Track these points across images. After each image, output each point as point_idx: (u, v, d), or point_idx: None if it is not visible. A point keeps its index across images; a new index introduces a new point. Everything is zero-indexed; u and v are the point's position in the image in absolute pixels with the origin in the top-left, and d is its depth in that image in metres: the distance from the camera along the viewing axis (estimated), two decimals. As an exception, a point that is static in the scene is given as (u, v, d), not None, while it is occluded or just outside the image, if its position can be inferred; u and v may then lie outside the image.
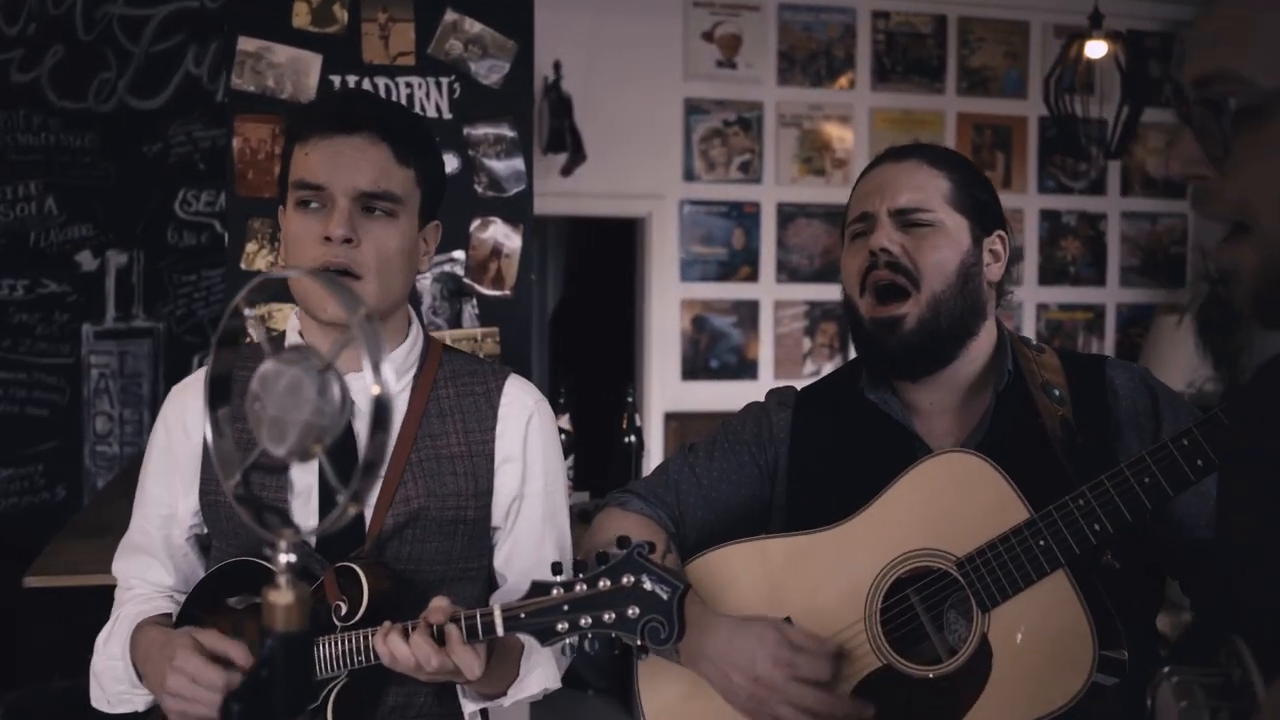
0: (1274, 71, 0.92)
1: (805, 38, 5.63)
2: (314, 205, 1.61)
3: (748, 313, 5.64)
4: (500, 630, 1.43)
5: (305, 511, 1.65)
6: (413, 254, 1.68)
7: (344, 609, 1.56)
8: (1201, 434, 1.46)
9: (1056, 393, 1.74)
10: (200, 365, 1.99)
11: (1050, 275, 5.96)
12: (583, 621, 1.38)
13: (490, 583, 1.79)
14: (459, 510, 1.70)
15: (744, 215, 5.62)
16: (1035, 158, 5.92)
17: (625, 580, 1.36)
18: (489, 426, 1.73)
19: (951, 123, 5.81)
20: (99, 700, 1.75)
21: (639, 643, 1.37)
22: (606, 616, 1.37)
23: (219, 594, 1.68)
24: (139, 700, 1.72)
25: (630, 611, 1.36)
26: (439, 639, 1.44)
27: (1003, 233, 1.79)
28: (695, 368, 5.60)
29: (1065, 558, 1.52)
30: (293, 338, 1.71)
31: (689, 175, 5.55)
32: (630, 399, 3.08)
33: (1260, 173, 0.93)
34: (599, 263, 6.37)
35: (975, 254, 1.74)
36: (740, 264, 5.64)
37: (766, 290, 5.66)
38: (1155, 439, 1.68)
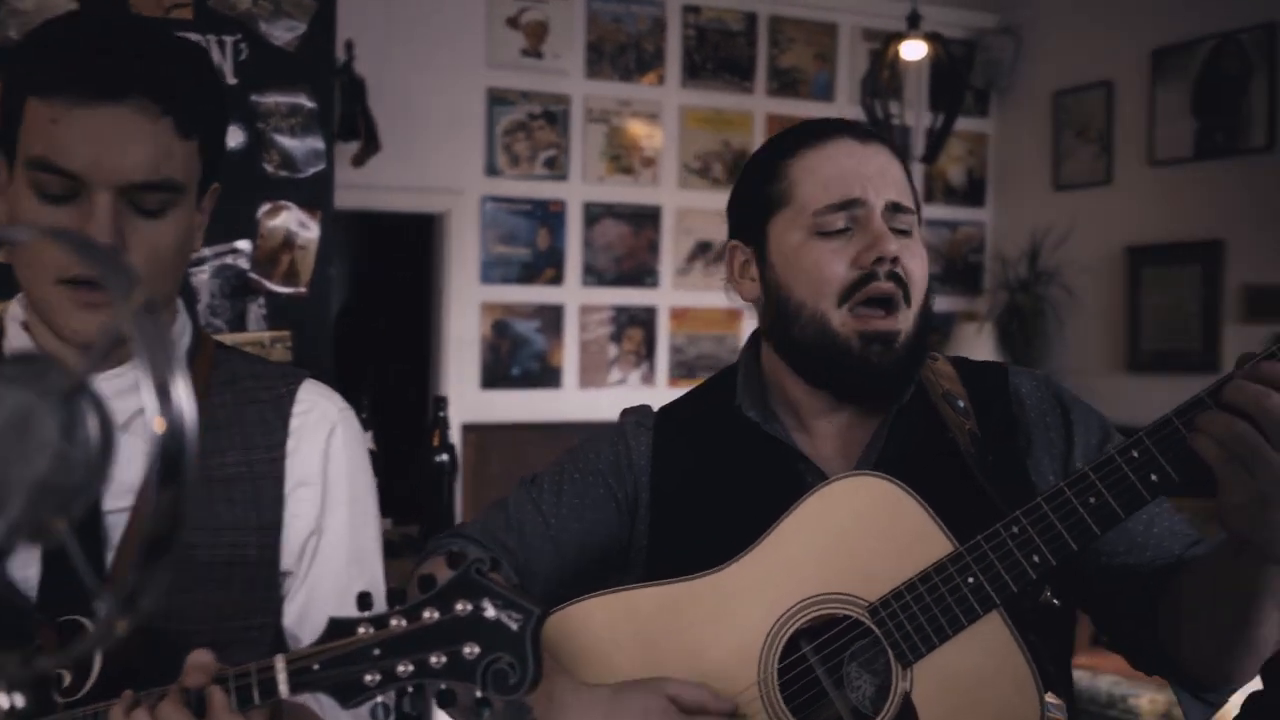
0: None
1: (614, 29, 5.36)
2: (61, 196, 1.19)
3: (552, 317, 5.33)
4: (285, 690, 1.02)
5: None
6: (190, 240, 1.30)
7: (68, 679, 1.17)
8: (1155, 444, 1.23)
9: (960, 404, 1.50)
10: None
11: (856, 282, 5.88)
12: (400, 669, 1.00)
13: (278, 647, 1.39)
14: (235, 549, 1.30)
15: (549, 214, 5.30)
16: (842, 162, 5.83)
17: (459, 608, 0.99)
18: (277, 442, 1.34)
19: (761, 124, 5.65)
20: None
21: (479, 694, 1.00)
22: (434, 660, 0.99)
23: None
24: None
25: (467, 651, 0.98)
26: (198, 709, 1.06)
27: None
28: (496, 376, 5.25)
29: (1000, 597, 1.27)
30: (16, 342, 1.30)
31: (491, 170, 5.20)
32: (442, 413, 2.72)
33: None
34: (391, 263, 5.92)
35: (929, 263, 1.50)
36: (544, 266, 5.32)
37: (572, 294, 5.36)
38: (1067, 455, 1.47)
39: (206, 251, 2.42)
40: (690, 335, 5.51)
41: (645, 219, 5.43)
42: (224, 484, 1.31)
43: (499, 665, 0.97)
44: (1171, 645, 1.34)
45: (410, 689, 0.99)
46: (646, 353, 5.45)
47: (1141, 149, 5.37)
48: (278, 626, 1.38)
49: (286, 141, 2.48)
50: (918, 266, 1.44)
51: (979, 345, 5.56)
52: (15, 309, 1.32)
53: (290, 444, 1.34)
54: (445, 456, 2.71)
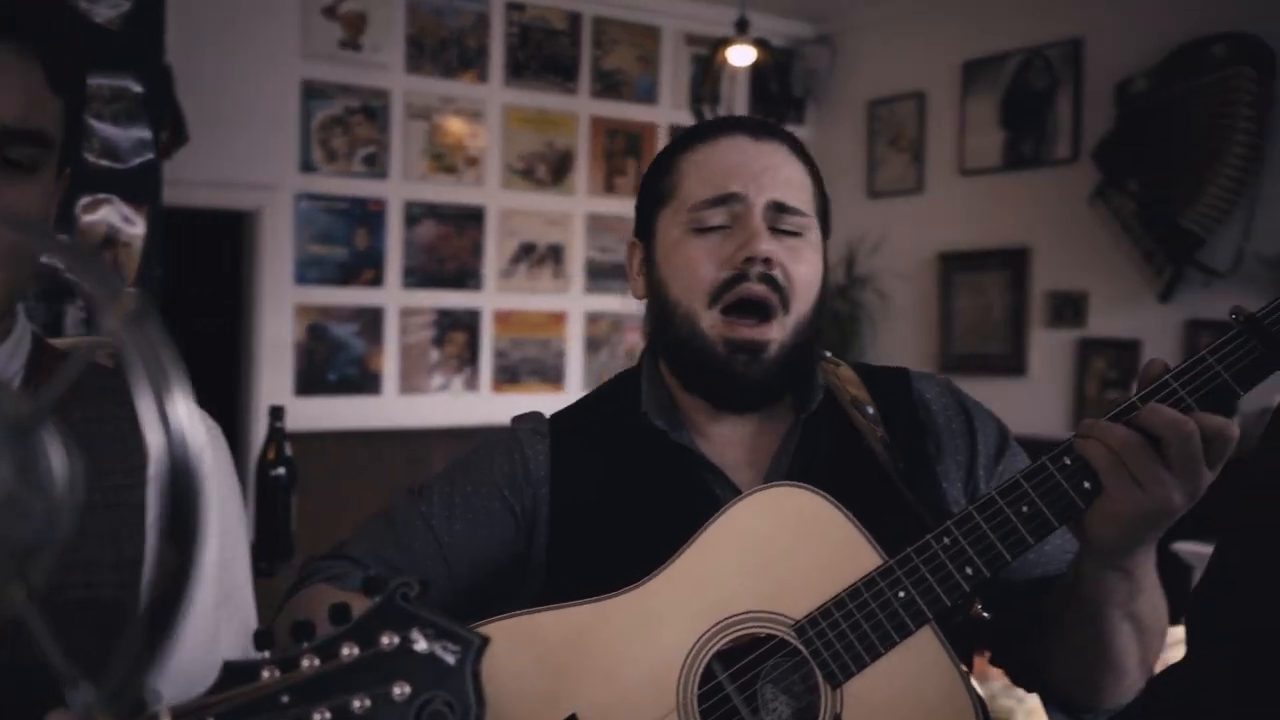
0: None
1: (436, 23, 5.20)
2: None
3: (371, 320, 5.12)
4: None
5: None
6: (48, 219, 1.13)
7: None
8: (1078, 441, 1.21)
9: (870, 410, 1.46)
10: None
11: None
12: (316, 718, 0.85)
13: (136, 703, 1.22)
14: (89, 589, 1.14)
15: (368, 213, 5.10)
16: (665, 166, 5.82)
17: (385, 642, 0.85)
18: (137, 465, 1.18)
19: (585, 125, 5.59)
20: None
21: None
22: (357, 705, 0.85)
23: None
24: None
25: (396, 691, 0.85)
26: None
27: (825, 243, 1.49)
28: (311, 381, 5.01)
29: (932, 611, 1.22)
30: None
31: (306, 166, 4.96)
32: (279, 424, 2.54)
33: None
34: (197, 262, 5.59)
35: (824, 270, 1.43)
36: (363, 267, 5.11)
37: (392, 296, 5.17)
38: (972, 462, 1.45)
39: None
40: (515, 339, 5.40)
41: (468, 220, 5.29)
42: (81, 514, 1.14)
43: (434, 706, 0.85)
44: (1042, 662, 1.32)
45: None
46: (470, 357, 5.30)
47: (952, 158, 5.55)
48: None
49: (109, 129, 2.25)
50: (804, 272, 1.36)
51: (800, 349, 5.63)
52: None
53: (152, 469, 1.18)
54: (283, 470, 2.53)
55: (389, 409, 5.13)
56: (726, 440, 1.45)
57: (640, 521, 1.40)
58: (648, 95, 5.76)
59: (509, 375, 5.39)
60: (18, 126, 1.03)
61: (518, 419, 1.55)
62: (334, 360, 5.05)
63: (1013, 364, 5.20)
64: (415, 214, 5.18)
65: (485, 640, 0.87)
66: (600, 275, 5.62)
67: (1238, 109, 4.31)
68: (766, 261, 1.34)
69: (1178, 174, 4.51)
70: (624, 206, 5.70)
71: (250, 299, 4.98)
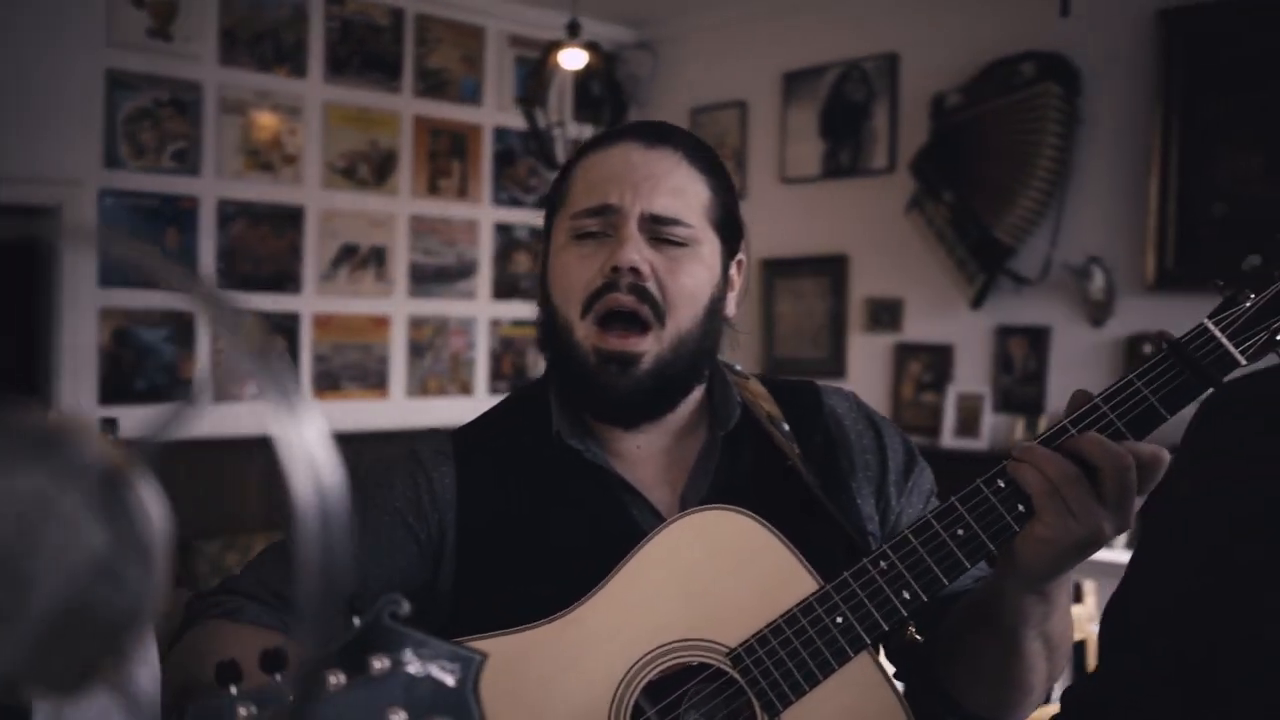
0: None
1: (251, 15, 4.98)
2: None
3: (183, 325, 4.87)
4: None
5: None
6: None
7: None
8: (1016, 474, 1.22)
9: (786, 427, 1.45)
10: None
11: (504, 290, 5.81)
12: None
13: None
14: None
15: (179, 212, 4.84)
16: (490, 168, 5.74)
17: (376, 667, 0.80)
18: None
19: (409, 125, 5.45)
20: None
21: None
22: None
23: None
24: None
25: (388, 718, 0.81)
26: None
27: (743, 256, 1.46)
28: (117, 390, 4.72)
29: (870, 637, 1.22)
30: None
31: (112, 161, 4.67)
32: (113, 437, 2.37)
33: None
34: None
35: (723, 284, 1.41)
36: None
37: (205, 299, 4.91)
38: (882, 478, 1.45)
39: None
40: (336, 344, 5.22)
41: (286, 220, 5.09)
42: None
43: None
44: (949, 680, 1.34)
45: None
46: (296, 362, 5.10)
47: (774, 167, 5.66)
48: None
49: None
50: (685, 284, 1.34)
51: (626, 353, 5.64)
52: None
53: (295, 502, 1.06)
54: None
55: (201, 418, 4.88)
56: (638, 458, 1.42)
57: (555, 546, 1.35)
58: (472, 96, 5.67)
59: (329, 381, 5.21)
60: None
61: (419, 437, 1.48)
62: (143, 367, 4.78)
63: (832, 367, 5.34)
64: (229, 213, 4.95)
65: (484, 656, 0.81)
66: (424, 279, 5.49)
67: (1046, 125, 4.53)
68: (635, 272, 1.31)
69: (990, 186, 4.72)
70: (448, 208, 5.59)
71: (51, 303, 4.65)
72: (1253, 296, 1.16)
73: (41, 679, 0.37)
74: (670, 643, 1.24)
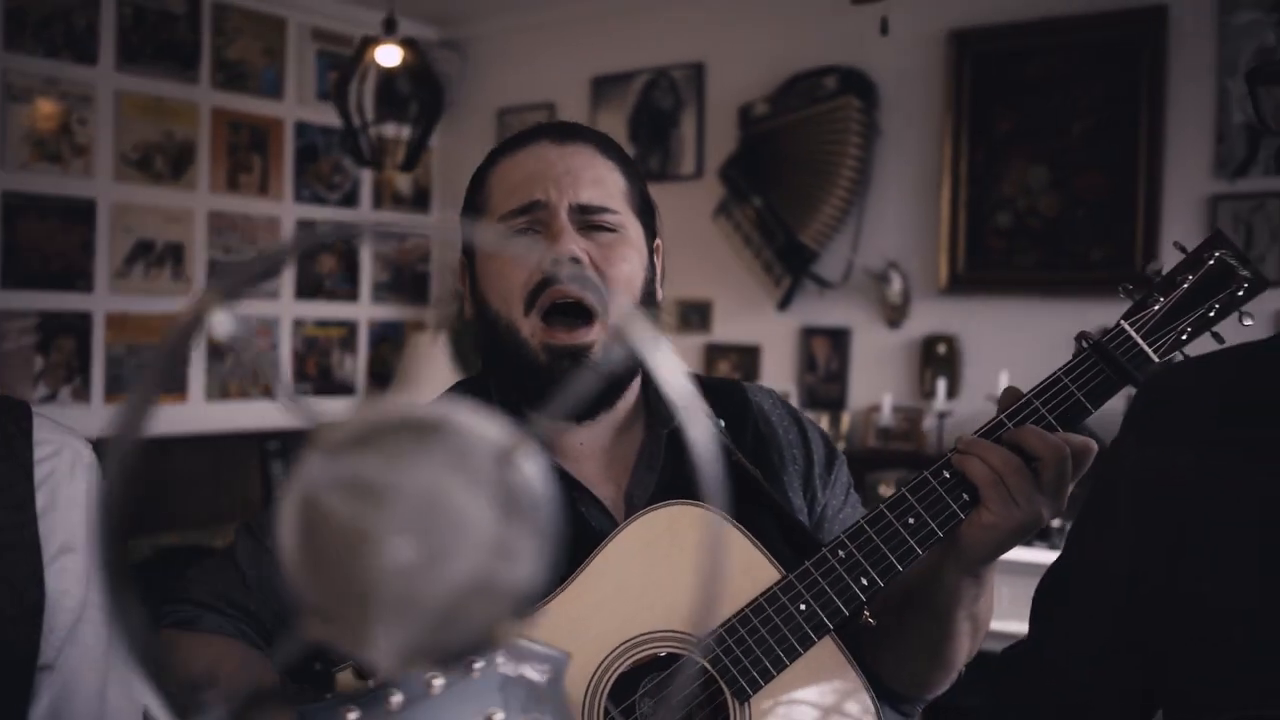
0: None
1: (39, -3, 4.69)
2: None
3: None
4: None
5: None
6: None
7: None
8: (955, 457, 1.32)
9: (722, 424, 1.51)
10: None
11: (307, 290, 5.66)
12: None
13: None
14: (19, 649, 0.98)
15: (-43, 203, 4.52)
16: (292, 164, 5.58)
17: (475, 668, 0.81)
18: (22, 499, 1.02)
19: (207, 117, 5.25)
20: None
21: None
22: None
23: None
24: None
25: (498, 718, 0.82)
26: None
27: (660, 241, 1.51)
28: None
29: (832, 622, 1.28)
30: None
31: (-119, 147, 4.32)
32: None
33: None
34: None
35: (651, 267, 1.45)
36: (-49, 264, 4.52)
37: (-13, 297, 4.61)
38: (808, 472, 1.53)
39: None
40: (131, 345, 4.97)
41: (77, 214, 4.82)
42: None
43: None
44: (871, 659, 1.41)
45: None
46: (80, 365, 4.83)
47: (583, 169, 5.72)
48: None
49: None
50: (623, 270, 1.38)
51: (435, 355, 5.59)
52: None
53: (41, 500, 1.02)
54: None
55: None
56: (581, 455, 1.44)
57: None
58: (273, 90, 5.50)
59: (125, 384, 4.96)
60: None
61: None
62: (-86, 369, 4.43)
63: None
64: (15, 206, 4.65)
65: (569, 655, 0.83)
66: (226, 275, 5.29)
67: (847, 136, 4.76)
68: (575, 261, 1.35)
69: (795, 193, 4.92)
70: (249, 205, 5.41)
71: None
72: (1161, 300, 1.29)
73: (437, 652, 0.39)
74: (640, 635, 1.27)
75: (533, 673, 0.83)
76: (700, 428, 0.40)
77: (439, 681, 0.81)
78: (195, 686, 1.15)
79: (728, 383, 1.59)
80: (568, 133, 1.43)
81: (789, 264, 4.94)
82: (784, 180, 4.96)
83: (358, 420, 0.40)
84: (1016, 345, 4.44)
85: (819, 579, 1.28)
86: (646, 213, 1.45)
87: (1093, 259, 4.36)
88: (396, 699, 0.80)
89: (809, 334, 5.03)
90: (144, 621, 0.41)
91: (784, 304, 5.03)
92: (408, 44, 4.59)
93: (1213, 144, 4.16)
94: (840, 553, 1.29)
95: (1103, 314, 4.30)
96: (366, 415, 0.41)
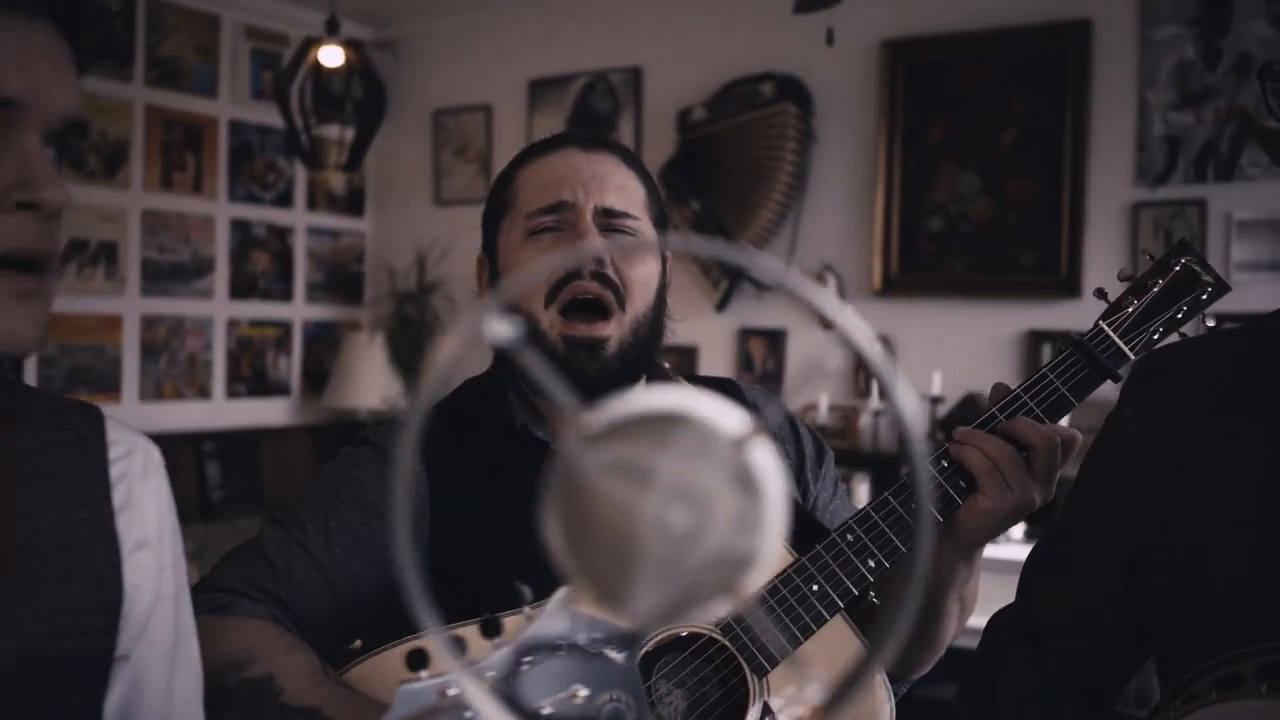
0: None
1: (-30, -10, 4.60)
2: None
3: None
4: None
5: None
6: None
7: None
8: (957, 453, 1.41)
9: None
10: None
11: (241, 289, 5.62)
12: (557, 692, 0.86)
13: None
14: (82, 642, 1.02)
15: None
16: (226, 163, 5.54)
17: (561, 648, 0.89)
18: (100, 496, 1.06)
19: (140, 115, 5.19)
20: None
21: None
22: (544, 712, 0.86)
23: None
24: None
25: (581, 694, 0.88)
26: None
27: (669, 252, 1.59)
28: None
29: (843, 601, 1.37)
30: None
31: None
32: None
33: None
34: None
35: (663, 274, 1.53)
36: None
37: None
38: (800, 467, 1.61)
39: None
40: (63, 346, 4.90)
41: None
42: (48, 554, 1.00)
43: (614, 705, 0.88)
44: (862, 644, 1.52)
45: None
46: (11, 366, 4.74)
47: (520, 171, 5.76)
48: None
49: None
50: (640, 272, 1.47)
51: (371, 355, 5.59)
52: None
53: (117, 497, 1.06)
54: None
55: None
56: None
57: (523, 530, 1.43)
58: (207, 88, 5.46)
59: (57, 385, 4.89)
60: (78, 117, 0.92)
61: (375, 432, 1.51)
62: None
63: (581, 368, 5.50)
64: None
65: (644, 638, 0.90)
66: (159, 276, 5.25)
67: (784, 142, 4.87)
68: (598, 260, 1.43)
69: (733, 197, 5.02)
70: (184, 204, 5.37)
71: None
72: (1135, 302, 1.39)
73: (679, 612, 0.46)
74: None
75: (611, 652, 0.89)
76: (909, 398, 0.47)
77: (529, 660, 0.87)
78: (235, 665, 1.19)
79: (724, 381, 1.67)
80: (594, 142, 1.51)
81: (726, 267, 5.04)
82: (722, 184, 5.06)
83: (613, 413, 0.47)
84: (948, 345, 4.60)
85: (829, 561, 1.36)
86: (661, 222, 1.53)
87: (1022, 263, 4.53)
88: (491, 675, 0.86)
89: (746, 335, 5.13)
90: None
91: (721, 305, 5.13)
92: (350, 45, 4.60)
93: (1134, 153, 4.35)
94: (849, 536, 1.38)
95: (1031, 316, 4.48)
96: (620, 409, 0.47)
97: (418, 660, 0.88)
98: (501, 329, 0.47)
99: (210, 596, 1.33)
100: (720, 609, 0.47)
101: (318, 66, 4.63)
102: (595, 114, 5.54)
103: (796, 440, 1.61)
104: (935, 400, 4.40)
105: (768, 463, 0.47)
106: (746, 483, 0.46)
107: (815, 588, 1.36)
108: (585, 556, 0.46)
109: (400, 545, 0.47)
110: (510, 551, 1.41)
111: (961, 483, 1.36)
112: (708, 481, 0.46)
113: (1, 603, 0.95)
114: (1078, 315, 4.31)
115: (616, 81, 5.49)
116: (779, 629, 1.35)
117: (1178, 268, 1.44)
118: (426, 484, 1.44)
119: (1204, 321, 1.45)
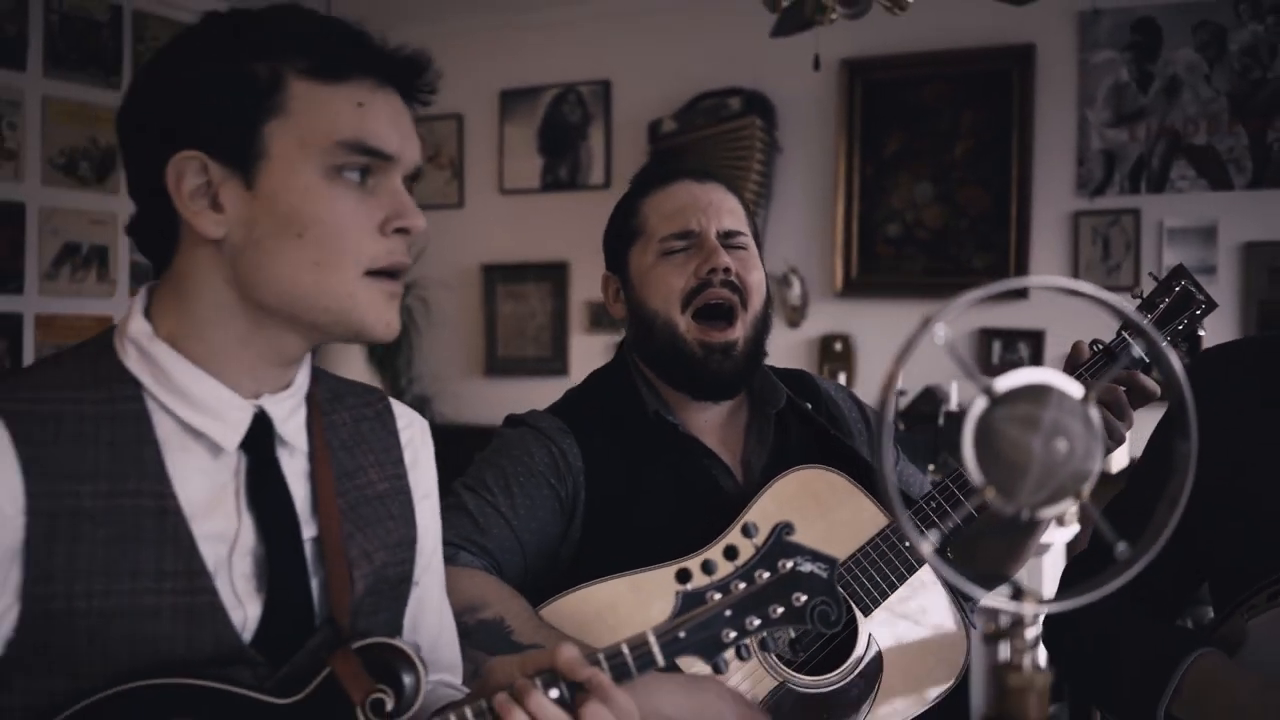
0: None
1: (-30, 3, 4.74)
2: (368, 180, 1.19)
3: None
4: (660, 660, 1.16)
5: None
6: None
7: (388, 703, 1.13)
8: None
9: (809, 405, 1.91)
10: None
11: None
12: (749, 624, 1.19)
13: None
14: (402, 565, 1.31)
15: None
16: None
17: (783, 566, 1.21)
18: (398, 458, 1.35)
19: (128, 123, 5.34)
20: None
21: (806, 627, 1.21)
22: (774, 611, 1.19)
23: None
24: None
25: (796, 599, 1.20)
26: (568, 700, 1.14)
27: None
28: None
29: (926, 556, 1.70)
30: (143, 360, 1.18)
31: None
32: None
33: None
34: None
35: (764, 277, 1.85)
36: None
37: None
38: (869, 443, 1.94)
39: None
40: (60, 346, 5.05)
41: (6, 217, 4.88)
42: (381, 500, 1.29)
43: (822, 607, 1.20)
44: (962, 563, 1.86)
45: (753, 639, 1.18)
46: (14, 364, 4.89)
47: (492, 178, 6.02)
48: None
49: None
50: (756, 277, 1.81)
51: (351, 353, 5.81)
52: (140, 326, 1.18)
53: (407, 458, 1.34)
54: None
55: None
56: (706, 428, 1.83)
57: (658, 503, 1.73)
58: (190, 96, 5.62)
59: (53, 385, 5.03)
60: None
61: (534, 416, 1.81)
62: None
63: (556, 366, 5.79)
64: (-55, 209, 4.69)
65: (837, 560, 1.23)
66: (147, 278, 5.39)
67: (751, 153, 5.21)
68: (726, 270, 1.75)
69: (703, 203, 5.34)
70: (171, 209, 5.52)
71: None
72: (1148, 316, 1.75)
73: (1046, 508, 0.78)
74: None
75: (819, 570, 1.22)
76: (1176, 361, 0.79)
77: (763, 574, 1.19)
78: (470, 609, 1.49)
79: (798, 372, 2.00)
80: (703, 174, 1.83)
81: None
82: (691, 191, 5.37)
83: (1010, 380, 0.78)
84: (903, 341, 4.96)
85: (918, 523, 1.69)
86: (756, 237, 1.85)
87: (974, 265, 4.93)
88: (737, 585, 1.19)
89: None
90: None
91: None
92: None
93: (1074, 166, 4.77)
94: (932, 503, 1.71)
95: (983, 316, 4.87)
96: (1008, 381, 0.79)
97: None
98: (942, 333, 0.78)
99: (449, 550, 1.61)
100: (1070, 508, 0.79)
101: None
102: (565, 124, 5.83)
103: (864, 419, 1.94)
104: (900, 393, 4.78)
105: (1096, 414, 0.79)
106: (1090, 427, 0.78)
107: (907, 544, 1.68)
108: (992, 472, 0.77)
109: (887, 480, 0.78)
110: (651, 514, 1.72)
111: None
112: (1069, 425, 0.77)
113: (363, 538, 1.24)
114: (1026, 314, 4.73)
115: (586, 93, 5.78)
116: (879, 576, 1.67)
117: (1178, 288, 1.80)
118: (581, 460, 1.74)
119: (1198, 332, 1.81)
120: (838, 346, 5.19)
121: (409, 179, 1.25)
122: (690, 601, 1.19)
